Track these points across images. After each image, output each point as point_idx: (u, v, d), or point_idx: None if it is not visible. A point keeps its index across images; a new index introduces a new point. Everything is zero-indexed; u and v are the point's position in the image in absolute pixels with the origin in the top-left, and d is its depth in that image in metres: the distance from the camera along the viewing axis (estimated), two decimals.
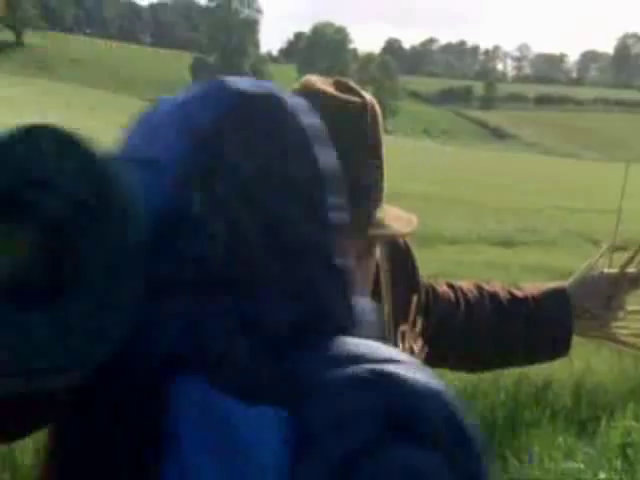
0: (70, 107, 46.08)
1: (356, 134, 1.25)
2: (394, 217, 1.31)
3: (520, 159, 62.88)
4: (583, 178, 35.23)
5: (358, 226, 1.22)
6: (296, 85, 1.32)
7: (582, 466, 4.43)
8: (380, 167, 1.30)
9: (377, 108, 1.29)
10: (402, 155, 47.07)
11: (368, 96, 1.29)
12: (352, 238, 1.25)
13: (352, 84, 1.31)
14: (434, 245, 13.97)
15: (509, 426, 4.87)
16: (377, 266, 1.40)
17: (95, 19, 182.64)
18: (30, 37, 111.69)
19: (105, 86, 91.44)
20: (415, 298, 1.44)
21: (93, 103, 55.27)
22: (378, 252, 1.37)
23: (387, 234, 1.28)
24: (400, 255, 1.56)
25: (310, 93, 1.25)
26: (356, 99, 1.27)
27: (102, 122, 38.59)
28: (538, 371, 5.39)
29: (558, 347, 1.83)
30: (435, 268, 9.76)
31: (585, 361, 5.77)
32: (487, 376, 5.12)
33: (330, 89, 1.28)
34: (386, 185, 1.34)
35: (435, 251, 12.89)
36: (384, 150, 1.32)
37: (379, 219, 1.26)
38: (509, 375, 5.24)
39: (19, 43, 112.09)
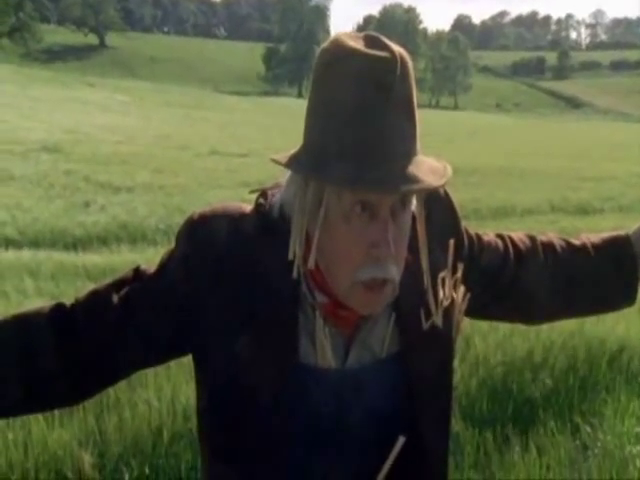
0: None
1: (385, 88, 1.22)
2: (428, 169, 1.26)
3: (594, 127, 61.60)
4: None
5: (390, 181, 1.21)
6: (327, 44, 1.30)
7: None
8: (412, 120, 1.26)
9: (408, 61, 1.27)
10: (476, 131, 46.71)
11: (398, 49, 1.26)
12: (385, 193, 1.24)
13: (383, 39, 1.28)
14: (510, 216, 13.85)
15: (582, 391, 4.75)
16: (413, 219, 1.36)
17: (172, 17, 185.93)
18: (112, 39, 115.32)
19: (183, 81, 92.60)
20: (452, 242, 1.39)
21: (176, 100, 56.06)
22: (414, 204, 1.34)
23: (420, 189, 1.23)
24: (439, 205, 1.52)
25: (340, 50, 1.26)
26: (385, 53, 1.24)
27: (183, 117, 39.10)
28: (612, 335, 5.25)
29: (624, 296, 1.75)
30: None
31: None
32: (559, 339, 5.02)
33: (359, 45, 1.26)
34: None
35: (511, 222, 12.80)
36: (416, 104, 1.28)
37: (411, 173, 1.22)
38: (582, 339, 5.14)
39: (102, 45, 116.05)
